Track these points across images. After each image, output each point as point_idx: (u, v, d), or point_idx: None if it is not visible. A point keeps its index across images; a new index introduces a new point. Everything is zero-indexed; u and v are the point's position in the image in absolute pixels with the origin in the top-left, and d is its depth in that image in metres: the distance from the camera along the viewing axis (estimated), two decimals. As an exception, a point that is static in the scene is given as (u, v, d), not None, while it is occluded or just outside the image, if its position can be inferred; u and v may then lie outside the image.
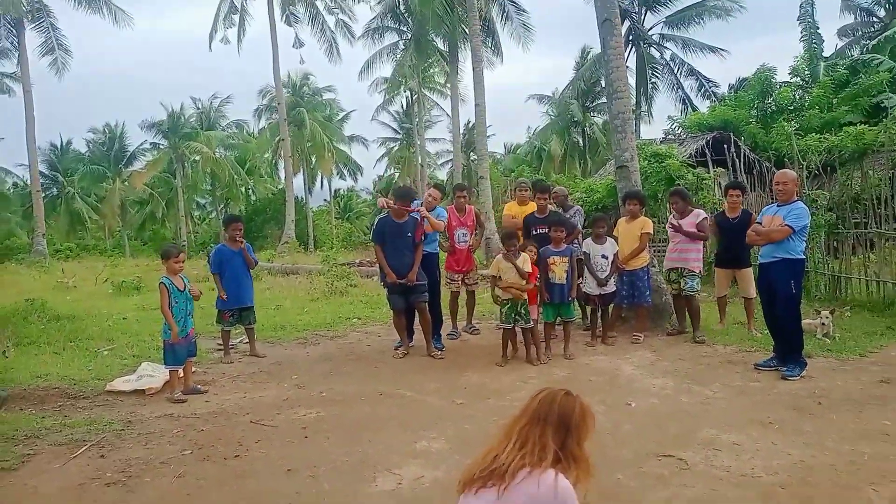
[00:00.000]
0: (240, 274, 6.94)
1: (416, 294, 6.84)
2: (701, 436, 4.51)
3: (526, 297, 6.57)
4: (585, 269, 7.22)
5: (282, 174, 49.55)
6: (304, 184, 43.74)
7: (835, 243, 9.96)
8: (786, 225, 5.79)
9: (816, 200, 10.24)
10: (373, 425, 4.81)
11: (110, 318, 9.07)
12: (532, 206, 7.56)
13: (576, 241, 7.46)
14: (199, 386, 5.78)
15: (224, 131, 44.19)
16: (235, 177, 41.12)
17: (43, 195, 38.58)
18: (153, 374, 5.98)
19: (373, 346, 7.58)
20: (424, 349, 7.02)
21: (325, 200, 53.50)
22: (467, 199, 7.90)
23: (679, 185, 11.19)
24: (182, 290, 5.83)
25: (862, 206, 9.77)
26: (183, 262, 5.91)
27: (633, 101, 25.22)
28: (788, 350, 6.00)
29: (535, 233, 7.21)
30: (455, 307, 7.96)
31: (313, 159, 42.31)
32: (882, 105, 18.07)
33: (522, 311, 6.52)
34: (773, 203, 6.22)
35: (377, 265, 7.64)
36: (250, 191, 47.07)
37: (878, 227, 9.52)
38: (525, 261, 6.51)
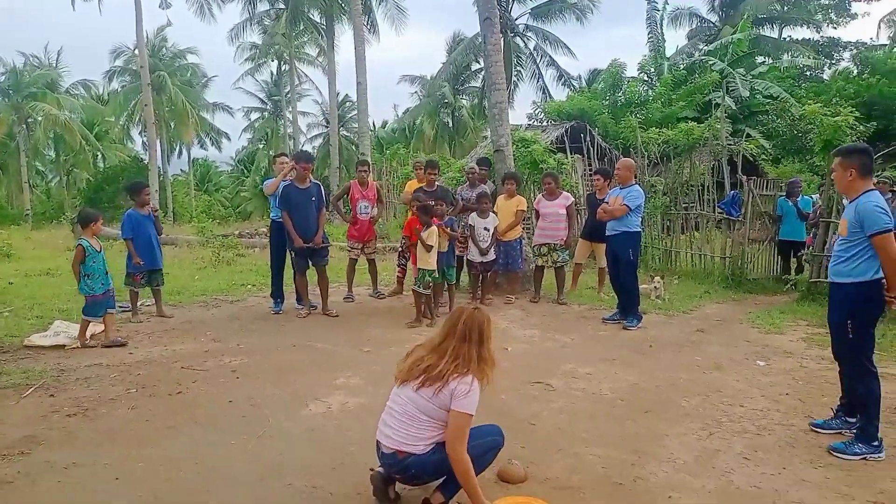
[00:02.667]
0: (151, 238, 7.24)
1: (319, 257, 7.54)
2: (563, 369, 5.70)
3: (434, 266, 7.35)
4: (469, 240, 8.24)
5: (136, 141, 46.95)
6: (163, 152, 41.62)
7: (668, 223, 11.74)
8: (624, 204, 7.16)
9: (655, 186, 12.00)
10: (294, 369, 5.56)
11: (-8, 283, 8.93)
12: (434, 184, 8.41)
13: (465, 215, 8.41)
14: (119, 338, 6.19)
15: (69, 91, 40.88)
16: (84, 142, 38.36)
17: None
18: (67, 330, 6.29)
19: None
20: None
21: (181, 170, 51.22)
22: (368, 174, 8.63)
23: (544, 169, 12.54)
24: (99, 250, 6.19)
25: (690, 191, 11.62)
26: (101, 224, 6.27)
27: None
28: (629, 306, 7.40)
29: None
30: (352, 272, 8.72)
31: (171, 126, 40.38)
32: (713, 102, 20.74)
33: (434, 280, 7.37)
34: (617, 186, 7.56)
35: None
36: (99, 157, 43.98)
37: (702, 210, 11.42)
38: (430, 234, 7.31)
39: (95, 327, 6.38)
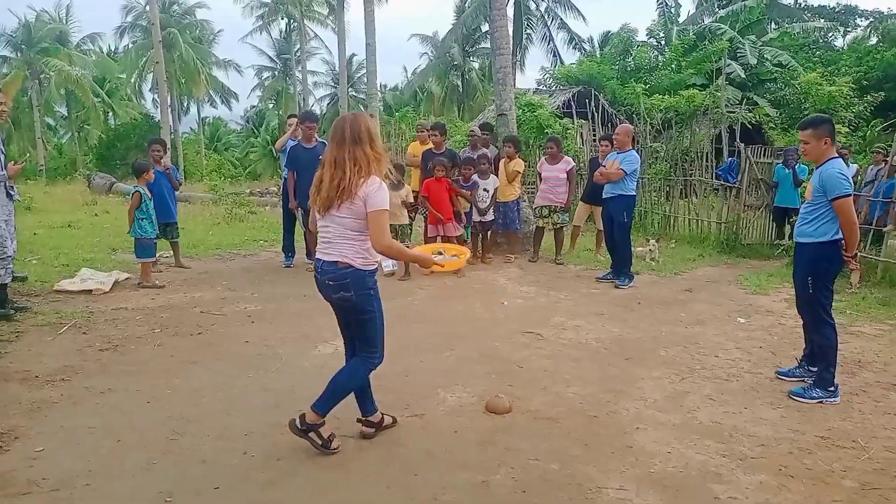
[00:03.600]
0: (165, 192, 7.63)
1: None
2: (553, 321, 6.12)
3: (407, 221, 7.89)
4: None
5: (146, 98, 47.07)
6: (173, 110, 41.76)
7: (667, 188, 12.04)
8: (620, 169, 7.48)
9: (657, 152, 12.29)
10: (304, 315, 6.00)
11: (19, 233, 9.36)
12: (430, 145, 8.77)
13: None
14: (157, 281, 6.74)
15: (79, 47, 40.91)
16: (95, 99, 38.56)
17: None
18: (93, 277, 6.74)
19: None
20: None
21: (190, 128, 51.40)
22: None
23: (550, 133, 12.83)
24: (150, 197, 6.82)
25: (690, 158, 11.89)
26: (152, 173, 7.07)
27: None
28: (621, 266, 7.78)
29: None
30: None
31: (182, 83, 40.48)
32: (721, 70, 20.81)
33: (401, 234, 7.81)
34: (615, 150, 7.87)
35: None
36: (109, 114, 44.18)
37: (700, 176, 11.70)
38: (408, 192, 7.79)
39: (119, 275, 6.85)
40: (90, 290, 6.42)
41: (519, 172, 8.87)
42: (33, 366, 4.45)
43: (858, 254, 4.41)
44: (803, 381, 4.61)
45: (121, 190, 17.36)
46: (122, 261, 8.04)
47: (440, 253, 3.62)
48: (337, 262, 3.28)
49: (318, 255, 3.40)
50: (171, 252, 8.02)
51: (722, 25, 22.82)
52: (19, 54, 36.85)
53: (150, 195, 6.93)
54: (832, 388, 4.35)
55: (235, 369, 4.58)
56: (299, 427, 3.37)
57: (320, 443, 3.37)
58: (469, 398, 4.22)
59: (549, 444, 3.60)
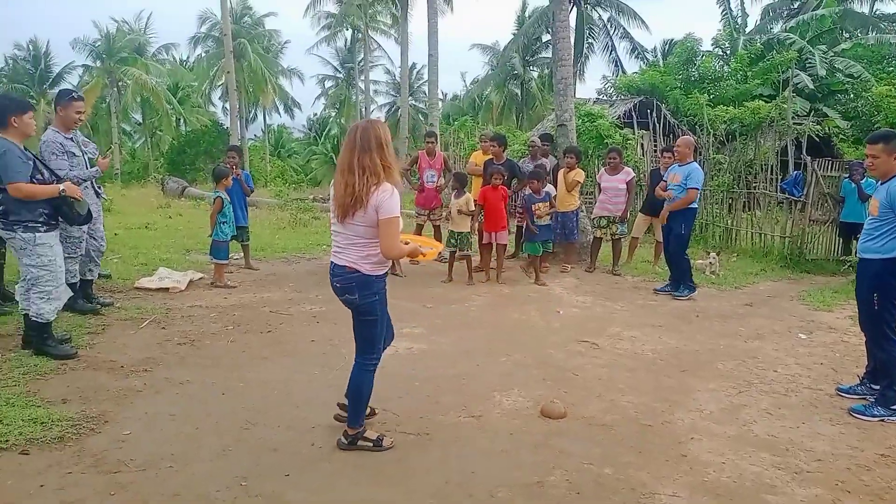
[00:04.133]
0: (235, 198, 8.00)
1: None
2: (609, 331, 6.17)
3: (468, 229, 8.03)
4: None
5: (216, 106, 48.88)
6: (242, 118, 43.23)
7: (730, 201, 11.84)
8: (687, 187, 7.42)
9: (721, 164, 12.11)
10: (366, 318, 6.22)
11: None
12: (503, 157, 8.90)
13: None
14: (229, 282, 7.16)
15: (155, 56, 42.89)
16: (168, 106, 40.33)
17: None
18: (170, 276, 7.16)
19: (346, 266, 8.91)
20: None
21: (254, 136, 52.96)
22: (435, 145, 9.17)
23: (609, 143, 12.79)
24: (230, 201, 7.39)
25: (753, 170, 11.67)
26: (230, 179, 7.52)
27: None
28: (679, 277, 7.75)
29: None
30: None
31: (250, 91, 41.88)
32: (788, 81, 20.22)
33: (460, 241, 8.00)
34: (676, 163, 7.85)
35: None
36: (181, 121, 46.06)
37: (764, 189, 11.48)
38: (468, 200, 7.97)
39: (194, 275, 7.27)
40: (167, 289, 6.82)
41: (579, 182, 8.92)
42: (118, 357, 4.80)
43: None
44: (865, 398, 4.55)
45: (192, 194, 18.14)
46: (195, 261, 8.48)
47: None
48: (346, 266, 3.38)
49: (332, 259, 3.51)
50: (242, 254, 8.40)
51: (791, 35, 22.18)
52: (100, 63, 38.90)
53: (229, 199, 7.33)
54: (894, 407, 4.29)
55: (302, 366, 4.83)
56: (346, 443, 3.54)
57: (371, 444, 3.54)
58: (524, 402, 4.34)
59: (603, 450, 3.69)
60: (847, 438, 3.99)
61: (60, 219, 4.73)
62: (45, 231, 4.58)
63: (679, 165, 7.70)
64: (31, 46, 41.65)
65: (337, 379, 4.59)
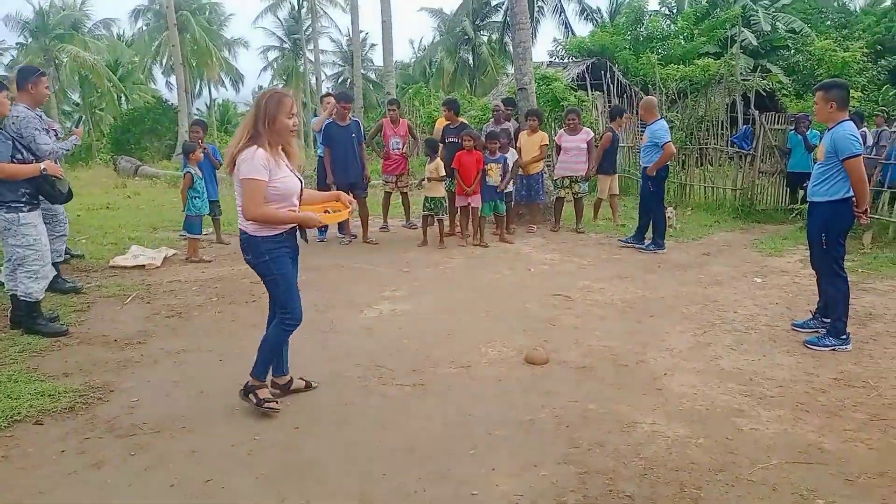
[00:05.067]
0: (205, 172, 7.99)
1: (359, 189, 8.30)
2: (579, 284, 6.48)
3: (441, 194, 8.18)
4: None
5: (157, 81, 47.40)
6: (187, 93, 42.04)
7: (683, 157, 12.27)
8: (663, 144, 7.73)
9: (672, 122, 12.50)
10: (345, 283, 6.41)
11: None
12: (457, 120, 9.04)
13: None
14: (204, 256, 7.25)
15: (92, 32, 41.25)
16: (108, 84, 38.98)
17: None
18: (143, 253, 7.18)
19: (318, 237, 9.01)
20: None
21: (197, 110, 51.61)
22: (398, 113, 9.26)
23: (565, 105, 13.05)
24: (201, 176, 7.38)
25: (704, 126, 12.10)
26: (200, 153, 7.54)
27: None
28: (655, 234, 8.09)
29: (448, 140, 8.74)
30: (387, 205, 9.49)
31: (193, 65, 40.73)
32: (734, 39, 20.77)
33: (435, 205, 8.18)
34: (641, 124, 8.22)
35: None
36: (123, 99, 44.54)
37: (715, 144, 11.94)
38: (438, 166, 8.11)
39: (167, 251, 7.30)
40: (143, 266, 6.84)
41: (546, 146, 9.15)
42: (110, 331, 4.89)
43: (868, 210, 4.73)
44: (817, 331, 4.96)
45: (147, 172, 17.80)
46: (164, 238, 8.47)
47: (327, 211, 3.87)
48: (241, 228, 3.44)
49: None
50: (213, 229, 8.42)
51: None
52: (34, 41, 37.23)
53: (200, 174, 7.33)
54: (844, 337, 4.70)
55: (292, 331, 4.99)
56: (243, 392, 3.64)
57: (255, 402, 3.58)
58: (508, 352, 4.60)
59: (586, 389, 3.99)
60: (804, 367, 4.38)
61: (42, 198, 4.74)
62: (28, 211, 4.60)
63: (644, 126, 8.02)
64: (-43, 25, 39.57)
65: (327, 340, 4.80)
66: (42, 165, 4.61)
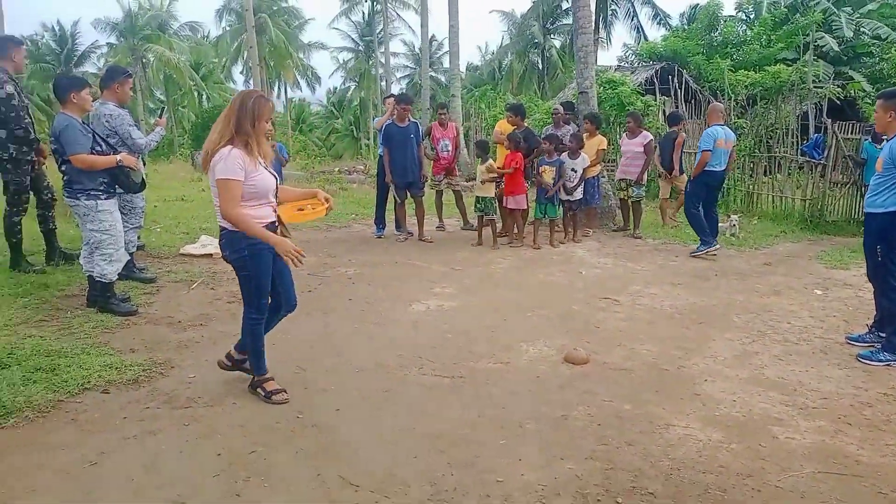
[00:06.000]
0: (277, 168, 8.34)
1: (416, 189, 8.51)
2: (630, 289, 6.46)
3: (492, 194, 8.29)
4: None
5: (237, 81, 49.26)
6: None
7: (751, 165, 11.95)
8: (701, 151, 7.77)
9: (742, 128, 12.20)
10: (398, 278, 6.61)
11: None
12: (522, 125, 9.14)
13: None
14: None
15: (177, 33, 43.28)
16: (191, 82, 40.83)
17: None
18: (212, 242, 7.56)
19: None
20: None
21: (276, 111, 53.19)
22: (447, 116, 9.47)
23: (629, 109, 12.91)
24: None
25: (775, 134, 11.75)
26: None
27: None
28: (698, 235, 8.05)
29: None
30: (440, 203, 9.68)
31: (271, 66, 42.15)
32: (815, 44, 19.96)
33: (486, 206, 8.30)
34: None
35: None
36: (204, 97, 46.51)
37: (785, 153, 11.58)
38: (490, 167, 8.25)
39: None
40: (211, 254, 7.23)
41: (604, 150, 9.14)
42: (175, 314, 5.23)
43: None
44: (873, 345, 4.81)
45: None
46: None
47: (300, 209, 3.93)
48: (220, 225, 3.51)
49: None
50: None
51: (814, -2, 21.91)
52: (123, 41, 39.39)
53: None
54: (900, 352, 4.55)
55: (341, 322, 5.22)
56: (251, 387, 3.78)
57: (263, 395, 3.71)
58: (549, 351, 4.67)
59: (623, 390, 4.02)
60: (853, 380, 4.27)
61: (118, 187, 5.12)
62: (105, 199, 4.98)
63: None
64: (57, 27, 42.23)
65: (375, 332, 4.99)
66: (118, 157, 4.98)
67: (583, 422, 3.58)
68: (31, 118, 5.84)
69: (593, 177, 9.17)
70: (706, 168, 7.89)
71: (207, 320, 5.10)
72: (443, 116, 9.40)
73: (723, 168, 8.08)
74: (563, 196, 8.60)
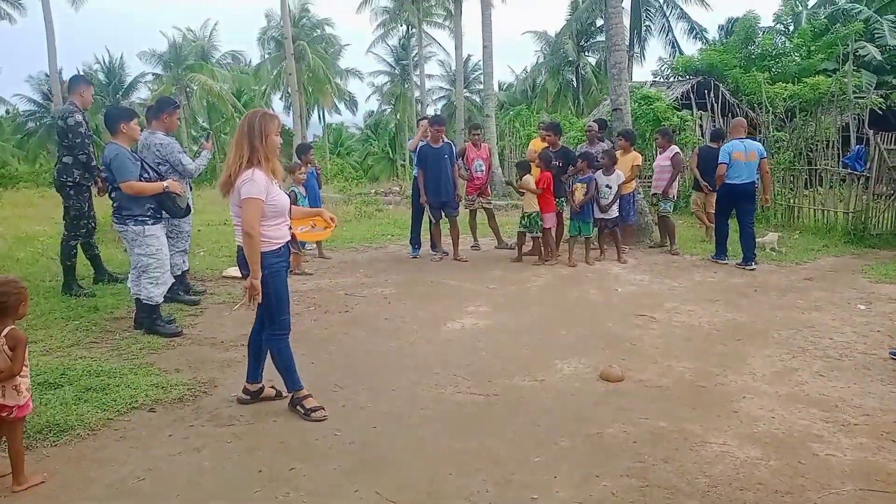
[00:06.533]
0: (315, 190, 8.57)
1: (451, 209, 8.61)
2: (666, 306, 6.42)
3: (536, 209, 8.32)
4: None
5: (277, 107, 50.48)
6: (301, 118, 44.37)
7: (791, 178, 11.76)
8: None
9: (782, 141, 12.03)
10: (433, 298, 6.69)
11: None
12: (558, 144, 9.21)
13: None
14: (306, 269, 7.82)
15: (219, 62, 44.58)
16: (232, 109, 41.97)
17: (38, 124, 39.66)
18: (253, 266, 7.78)
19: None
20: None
21: (314, 135, 54.25)
22: (481, 137, 9.61)
23: (664, 125, 12.86)
24: (304, 195, 7.98)
25: (815, 146, 11.55)
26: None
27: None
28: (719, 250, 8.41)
29: (553, 163, 8.90)
30: (474, 223, 9.77)
31: (310, 92, 43.05)
32: (857, 53, 19.51)
33: (531, 222, 8.35)
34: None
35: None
36: (246, 124, 47.47)
37: (826, 165, 11.36)
38: (529, 181, 8.32)
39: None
40: (251, 277, 7.42)
41: (639, 166, 9.14)
42: (218, 334, 5.40)
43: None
44: (920, 361, 4.69)
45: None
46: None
47: (313, 225, 4.00)
48: (238, 247, 3.62)
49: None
50: (316, 244, 8.97)
51: (857, 5, 21.46)
52: (168, 72, 40.79)
53: (304, 193, 7.88)
54: (949, 368, 4.43)
55: (378, 340, 5.31)
56: (290, 405, 3.87)
57: (303, 413, 3.80)
58: (584, 368, 4.68)
59: (659, 407, 4.01)
60: (897, 397, 4.18)
61: (165, 212, 5.33)
62: (153, 224, 5.19)
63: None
64: (103, 60, 43.95)
65: (410, 350, 5.07)
66: (165, 183, 5.20)
67: (618, 439, 3.58)
68: (94, 147, 6.22)
69: (629, 193, 9.15)
70: (726, 181, 8.07)
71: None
72: (476, 137, 9.55)
73: (745, 181, 8.10)
74: (598, 214, 8.59)
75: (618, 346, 5.21)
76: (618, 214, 8.75)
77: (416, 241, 9.15)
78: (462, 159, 9.57)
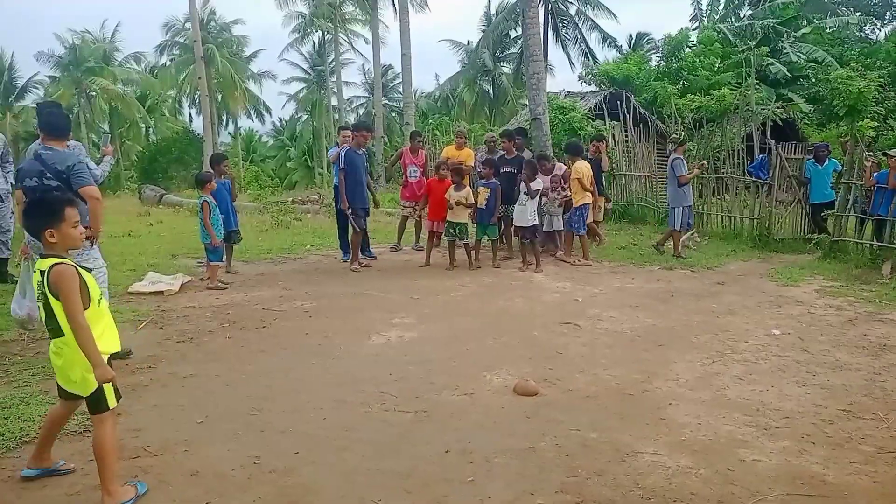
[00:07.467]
0: (227, 201, 8.13)
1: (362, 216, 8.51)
2: (589, 313, 6.46)
3: (466, 220, 8.35)
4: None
5: (184, 113, 48.57)
6: (213, 124, 42.78)
7: (700, 186, 12.22)
8: None
9: (690, 151, 12.48)
10: (356, 310, 6.47)
11: (83, 243, 10.09)
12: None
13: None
14: (220, 282, 7.41)
15: (122, 65, 42.39)
16: (137, 115, 40.00)
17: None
18: (161, 279, 7.31)
19: (333, 264, 9.09)
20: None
21: (221, 142, 52.54)
22: (421, 144, 9.56)
23: (583, 135, 13.12)
24: (216, 204, 7.48)
25: (721, 156, 12.06)
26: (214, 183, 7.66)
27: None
28: None
29: (504, 170, 8.90)
30: (402, 228, 9.67)
31: (219, 97, 41.62)
32: (760, 69, 20.60)
33: (459, 231, 8.33)
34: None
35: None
36: (151, 130, 45.47)
37: (732, 174, 11.89)
38: (468, 194, 8.36)
39: (183, 278, 7.43)
40: (161, 292, 6.97)
41: (579, 180, 9.16)
42: (123, 356, 4.97)
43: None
44: None
45: (171, 201, 18.15)
46: (182, 265, 8.62)
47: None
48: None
49: None
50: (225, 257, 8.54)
51: (758, 22, 22.77)
52: (66, 74, 38.41)
53: (215, 202, 7.44)
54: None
55: (298, 357, 5.05)
56: None
57: None
58: (513, 379, 4.58)
59: (588, 417, 3.97)
60: (812, 398, 4.31)
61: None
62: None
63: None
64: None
65: (334, 367, 4.85)
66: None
67: (550, 453, 3.50)
68: None
69: (581, 206, 9.12)
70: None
71: (156, 362, 4.87)
72: (417, 144, 9.61)
73: None
74: (517, 221, 8.62)
75: (545, 354, 5.17)
76: (536, 222, 8.70)
77: (345, 246, 9.01)
78: (398, 163, 9.63)
